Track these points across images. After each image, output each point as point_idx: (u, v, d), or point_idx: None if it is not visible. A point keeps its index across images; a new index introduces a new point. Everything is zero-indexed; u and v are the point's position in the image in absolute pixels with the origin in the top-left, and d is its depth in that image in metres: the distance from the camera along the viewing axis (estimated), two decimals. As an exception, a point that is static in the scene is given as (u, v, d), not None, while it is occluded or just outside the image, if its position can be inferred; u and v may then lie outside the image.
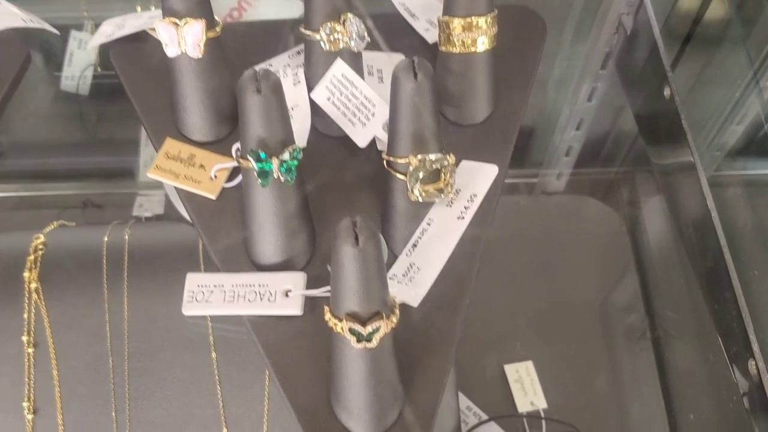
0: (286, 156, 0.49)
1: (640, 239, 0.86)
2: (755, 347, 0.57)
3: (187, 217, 0.58)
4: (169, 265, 0.64)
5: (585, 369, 0.77)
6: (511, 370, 0.75)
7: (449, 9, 0.57)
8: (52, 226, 0.69)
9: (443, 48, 0.59)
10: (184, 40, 0.54)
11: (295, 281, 0.52)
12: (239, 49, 0.63)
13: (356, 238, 0.43)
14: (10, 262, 0.64)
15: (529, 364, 0.76)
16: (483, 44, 0.58)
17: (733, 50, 0.76)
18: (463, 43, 0.57)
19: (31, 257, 0.64)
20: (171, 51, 0.55)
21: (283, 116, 0.49)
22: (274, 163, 0.49)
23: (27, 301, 0.62)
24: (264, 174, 0.49)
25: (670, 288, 0.81)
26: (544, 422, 0.71)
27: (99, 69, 0.88)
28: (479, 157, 0.58)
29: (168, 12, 0.54)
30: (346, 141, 0.58)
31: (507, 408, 0.73)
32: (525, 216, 0.89)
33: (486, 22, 0.57)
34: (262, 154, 0.49)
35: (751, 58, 0.73)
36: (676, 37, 0.78)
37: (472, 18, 0.56)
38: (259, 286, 0.52)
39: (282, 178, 0.50)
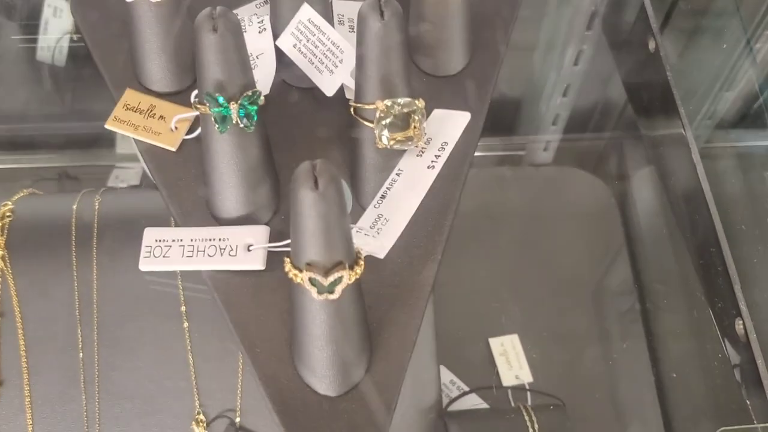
0: (245, 101, 0.46)
1: (629, 211, 0.84)
2: (742, 306, 0.55)
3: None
4: (139, 233, 0.61)
5: (572, 342, 0.76)
6: (495, 343, 0.73)
7: (423, -49, 0.55)
8: (22, 194, 0.67)
9: (415, -8, 0.56)
10: (140, -18, 0.51)
11: (256, 235, 0.49)
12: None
13: (315, 182, 0.40)
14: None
15: (514, 338, 0.74)
16: (458, -11, 0.55)
17: (724, 15, 0.74)
18: (438, -12, 0.55)
19: None
20: (127, -6, 0.52)
21: (242, 58, 0.46)
22: (233, 107, 0.46)
23: None
24: (222, 119, 0.46)
25: (659, 260, 0.79)
26: (529, 395, 0.69)
27: (75, 37, 0.85)
28: (454, 108, 0.56)
29: (122, -49, 0.51)
30: (315, 92, 0.56)
31: (491, 382, 0.71)
32: (511, 188, 0.87)
33: (461, -35, 0.54)
34: (220, 98, 0.46)
35: (744, 22, 0.71)
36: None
37: (447, -39, 0.54)
38: (220, 240, 0.49)
39: (241, 124, 0.47)
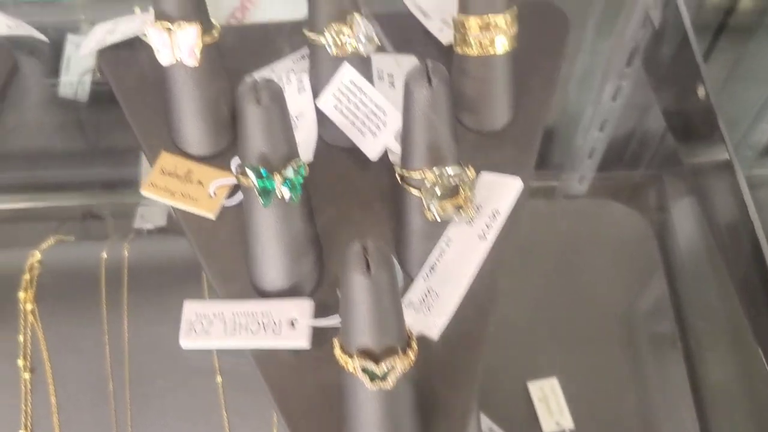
0: (289, 172, 0.45)
1: (668, 244, 0.81)
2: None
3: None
4: (170, 282, 0.62)
5: (612, 384, 0.73)
6: (535, 388, 0.71)
7: (464, 7, 0.53)
8: (49, 242, 0.66)
9: (459, 50, 0.54)
10: (178, 46, 0.50)
11: (301, 309, 0.47)
12: (239, 53, 0.59)
13: (368, 265, 0.38)
14: (4, 281, 0.61)
15: (554, 382, 0.72)
16: (502, 45, 0.53)
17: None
18: (481, 44, 0.53)
19: (27, 276, 0.62)
20: (164, 58, 0.50)
21: (285, 128, 0.45)
22: (277, 180, 0.45)
23: (23, 323, 0.60)
24: (266, 193, 0.45)
25: (702, 297, 0.77)
26: (571, 442, 0.67)
27: (98, 74, 0.84)
28: (500, 167, 0.54)
29: (160, 15, 0.50)
30: (355, 152, 0.54)
31: (531, 429, 0.69)
32: (545, 221, 0.85)
33: (505, 20, 0.52)
34: (263, 171, 0.44)
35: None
36: (706, 30, 0.74)
37: (490, 16, 0.52)
38: (263, 315, 0.47)
39: (285, 197, 0.45)
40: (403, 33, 0.60)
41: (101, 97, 0.84)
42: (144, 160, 0.83)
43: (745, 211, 0.59)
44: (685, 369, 0.73)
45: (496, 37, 0.52)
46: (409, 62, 0.58)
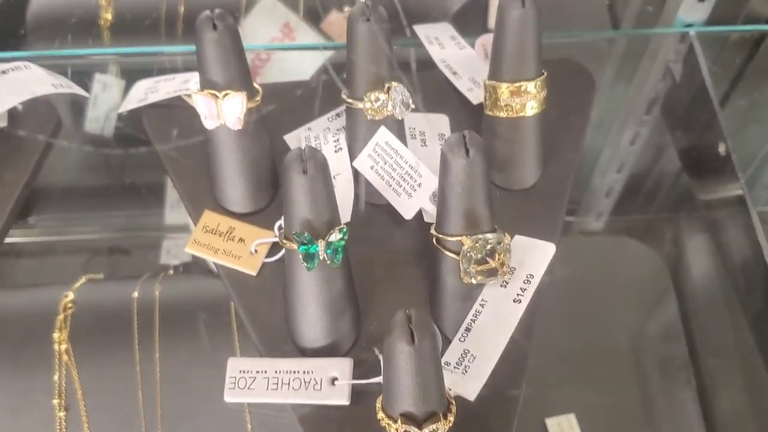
0: (332, 238, 0.47)
1: (683, 281, 0.82)
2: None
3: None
4: (202, 325, 0.63)
5: (629, 420, 0.74)
6: (552, 423, 0.72)
7: (496, 73, 0.55)
8: (81, 281, 0.67)
9: (489, 112, 0.56)
10: (223, 113, 0.52)
11: (341, 368, 0.49)
12: (276, 111, 0.61)
13: (412, 335, 0.40)
14: (39, 321, 0.62)
15: (571, 417, 0.73)
16: (532, 108, 0.55)
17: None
18: (512, 107, 0.55)
19: (61, 317, 0.63)
20: (210, 124, 0.53)
21: (329, 196, 0.47)
22: (320, 245, 0.47)
23: (57, 363, 0.61)
24: (309, 257, 0.47)
25: (716, 334, 0.78)
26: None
27: (125, 113, 0.87)
28: (528, 225, 0.55)
29: (207, 84, 0.52)
30: (389, 209, 0.56)
31: (550, 464, 0.70)
32: (561, 258, 0.86)
33: (535, 86, 0.54)
34: (308, 236, 0.46)
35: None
36: (724, 78, 0.75)
37: (521, 83, 0.54)
38: (304, 373, 0.49)
39: (328, 260, 0.47)
40: (434, 91, 0.62)
41: (127, 133, 0.87)
42: (169, 194, 0.85)
43: (758, 247, 0.61)
44: (699, 405, 0.74)
45: (527, 102, 0.54)
46: (439, 121, 0.60)
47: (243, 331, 0.61)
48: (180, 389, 0.61)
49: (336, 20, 0.87)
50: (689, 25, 0.74)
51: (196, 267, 0.83)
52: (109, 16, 0.88)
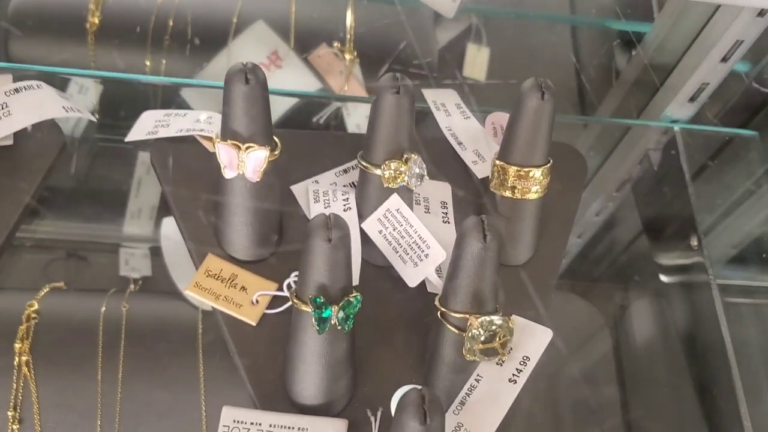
0: (346, 305, 0.48)
1: (626, 344, 0.86)
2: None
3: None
4: (167, 346, 0.62)
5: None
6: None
7: (506, 155, 0.57)
8: (44, 291, 0.66)
9: (495, 189, 0.59)
10: (244, 164, 0.53)
11: (337, 429, 0.50)
12: (284, 160, 0.62)
13: (425, 415, 0.42)
14: (0, 329, 0.61)
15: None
16: (536, 192, 0.58)
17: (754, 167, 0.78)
18: (517, 189, 0.57)
19: (24, 327, 0.62)
20: (229, 173, 0.53)
21: (348, 265, 0.48)
22: (334, 311, 0.48)
23: (15, 374, 0.59)
24: (323, 321, 0.48)
25: (652, 397, 0.81)
26: None
27: (97, 116, 0.85)
28: (519, 301, 0.58)
29: (229, 133, 0.52)
30: (390, 272, 0.57)
31: None
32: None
33: (542, 173, 0.57)
34: (323, 301, 0.48)
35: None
36: (703, 170, 0.79)
37: (530, 169, 0.56)
38: (299, 430, 0.50)
39: (339, 326, 0.48)
40: (439, 159, 0.64)
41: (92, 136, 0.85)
42: (131, 203, 0.84)
43: (716, 319, 0.64)
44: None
45: (532, 186, 0.57)
46: (444, 189, 0.62)
47: (208, 354, 0.61)
48: (140, 411, 0.60)
49: (324, 55, 0.88)
50: (675, 121, 0.78)
51: (156, 283, 0.82)
52: (96, 20, 0.87)
